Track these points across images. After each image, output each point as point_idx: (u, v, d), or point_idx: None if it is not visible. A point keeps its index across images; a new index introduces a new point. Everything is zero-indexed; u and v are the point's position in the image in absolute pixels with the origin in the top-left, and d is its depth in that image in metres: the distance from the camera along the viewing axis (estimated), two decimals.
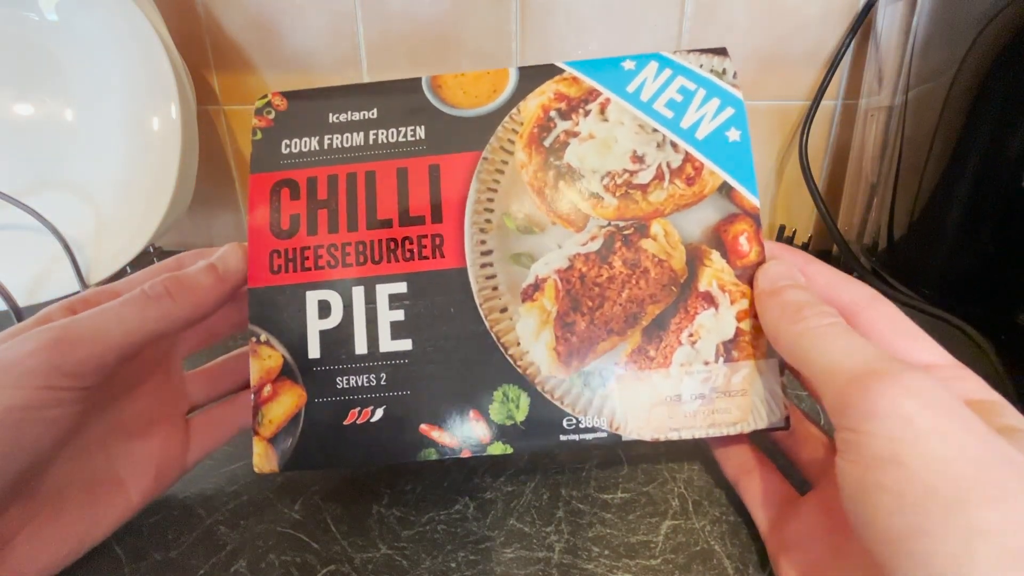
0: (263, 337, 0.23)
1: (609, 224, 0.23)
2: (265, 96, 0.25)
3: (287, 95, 0.25)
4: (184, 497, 0.25)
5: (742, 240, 0.23)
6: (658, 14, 0.46)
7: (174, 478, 0.24)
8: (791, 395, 0.24)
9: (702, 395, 0.22)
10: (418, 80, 0.25)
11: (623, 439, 0.22)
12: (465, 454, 0.22)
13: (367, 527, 0.23)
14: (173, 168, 0.43)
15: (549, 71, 0.24)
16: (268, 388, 0.23)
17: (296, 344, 0.23)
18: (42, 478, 0.20)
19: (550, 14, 0.47)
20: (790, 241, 0.49)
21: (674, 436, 0.22)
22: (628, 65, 0.24)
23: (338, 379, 0.23)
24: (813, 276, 0.21)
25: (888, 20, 0.39)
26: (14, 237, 0.44)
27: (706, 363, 0.22)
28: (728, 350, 0.22)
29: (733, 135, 0.24)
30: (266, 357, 0.23)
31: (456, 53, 0.49)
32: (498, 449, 0.22)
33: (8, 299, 0.35)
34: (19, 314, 0.34)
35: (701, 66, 0.24)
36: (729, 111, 0.24)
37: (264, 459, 0.22)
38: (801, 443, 0.23)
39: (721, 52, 0.24)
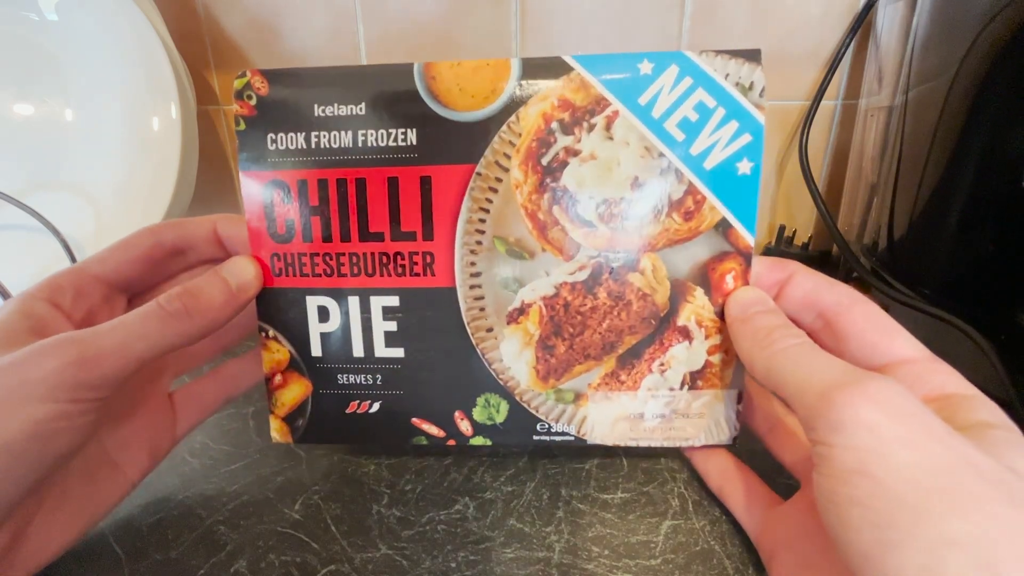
0: (271, 333, 0.25)
1: (599, 255, 0.23)
2: (244, 74, 0.23)
3: (268, 76, 0.23)
4: (184, 497, 0.25)
5: (728, 278, 0.23)
6: (658, 14, 0.46)
7: (166, 451, 0.25)
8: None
9: (663, 415, 0.24)
10: (410, 68, 0.22)
11: (588, 443, 0.25)
12: (451, 443, 0.25)
13: (367, 527, 0.23)
14: (173, 168, 0.43)
15: (555, 67, 0.22)
16: (279, 377, 0.25)
17: (300, 342, 0.25)
18: None
19: (550, 14, 0.47)
20: (790, 241, 0.49)
21: (632, 444, 0.25)
22: (645, 68, 0.22)
23: (339, 376, 0.25)
24: (800, 282, 0.22)
25: (888, 20, 0.39)
26: (14, 237, 0.44)
27: (671, 389, 0.24)
28: (694, 379, 0.24)
29: (744, 167, 0.22)
30: (275, 351, 0.25)
31: (456, 53, 0.49)
32: (479, 441, 0.25)
33: (8, 299, 0.35)
34: None
35: (727, 76, 0.21)
36: (746, 138, 0.22)
37: (280, 433, 0.26)
38: (783, 445, 0.24)
39: (753, 57, 0.21)
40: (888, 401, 0.15)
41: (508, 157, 0.23)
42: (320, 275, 0.24)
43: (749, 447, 0.25)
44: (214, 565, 0.22)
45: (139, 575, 0.22)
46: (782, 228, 0.48)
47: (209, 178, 0.54)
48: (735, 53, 0.21)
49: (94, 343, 0.19)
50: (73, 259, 0.41)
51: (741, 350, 0.21)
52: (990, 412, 0.17)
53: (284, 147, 0.23)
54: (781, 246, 0.48)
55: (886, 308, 0.29)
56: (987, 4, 0.28)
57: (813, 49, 0.45)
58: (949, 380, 0.18)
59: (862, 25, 0.43)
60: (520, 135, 0.22)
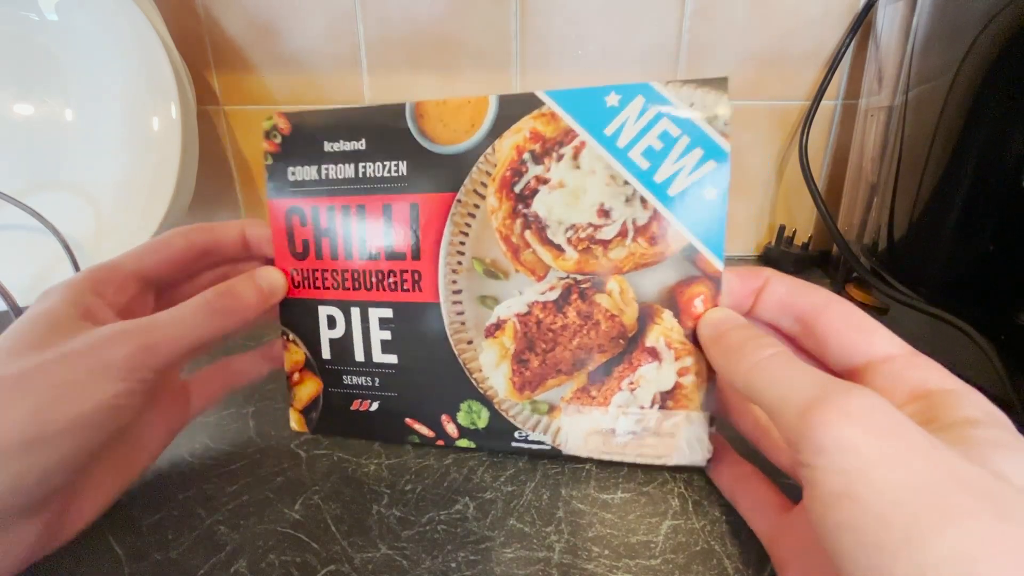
0: (291, 336, 0.28)
1: (568, 277, 0.24)
2: (271, 118, 0.27)
3: (290, 118, 0.27)
4: (184, 497, 0.25)
5: (697, 302, 0.23)
6: (658, 14, 0.46)
7: (179, 429, 0.27)
8: None
9: (634, 432, 0.25)
10: (402, 108, 0.25)
11: (563, 453, 0.26)
12: (439, 443, 0.27)
13: (367, 527, 0.23)
14: (173, 168, 0.44)
15: (528, 103, 0.24)
16: (297, 375, 0.29)
17: (313, 346, 0.28)
18: None
19: (550, 14, 0.47)
20: (790, 241, 0.49)
21: (605, 458, 0.26)
22: (612, 100, 0.23)
23: (344, 376, 0.28)
24: (774, 287, 0.22)
25: (888, 20, 0.39)
26: (14, 237, 0.44)
27: (641, 407, 0.25)
28: (664, 399, 0.24)
29: (709, 193, 0.22)
30: (294, 352, 0.28)
31: (456, 53, 0.49)
32: (464, 443, 0.27)
33: (8, 299, 0.35)
34: (19, 314, 0.34)
35: (692, 104, 0.22)
36: (710, 166, 0.22)
37: (298, 423, 0.29)
38: (777, 450, 0.23)
39: (720, 86, 0.22)
40: (867, 417, 0.15)
41: (485, 186, 0.25)
42: (329, 288, 0.27)
43: (755, 448, 0.25)
44: (214, 565, 0.22)
45: (139, 575, 0.22)
46: (782, 228, 0.49)
47: (209, 178, 0.54)
48: (702, 82, 0.22)
49: (156, 331, 0.21)
50: (73, 259, 0.41)
51: (719, 369, 0.21)
52: (973, 406, 0.16)
53: (301, 178, 0.27)
54: (781, 246, 0.48)
55: (886, 308, 0.29)
56: (987, 4, 0.28)
57: (813, 49, 0.45)
58: (931, 375, 0.18)
59: (862, 25, 0.44)
60: (496, 165, 0.24)
